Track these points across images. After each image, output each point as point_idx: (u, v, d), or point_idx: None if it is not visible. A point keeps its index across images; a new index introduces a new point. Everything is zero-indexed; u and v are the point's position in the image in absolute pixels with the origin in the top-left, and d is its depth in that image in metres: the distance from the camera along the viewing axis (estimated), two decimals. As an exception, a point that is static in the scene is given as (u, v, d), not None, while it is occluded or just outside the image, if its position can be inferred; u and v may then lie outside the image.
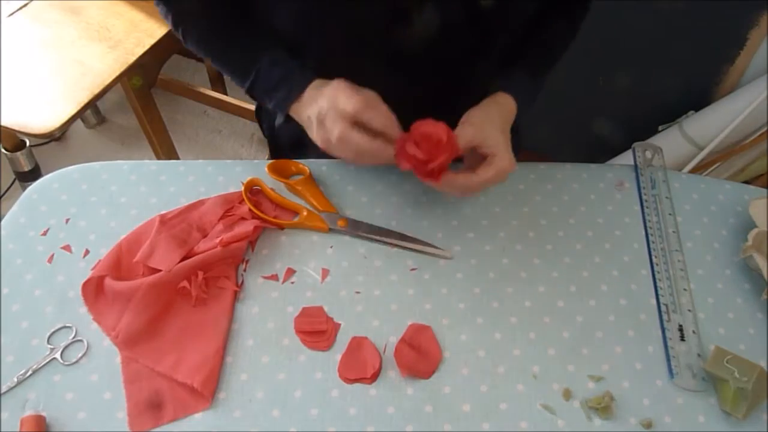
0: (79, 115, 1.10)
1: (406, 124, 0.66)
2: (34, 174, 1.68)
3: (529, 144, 0.91)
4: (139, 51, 1.18)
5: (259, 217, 0.71)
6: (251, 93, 0.69)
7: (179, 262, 0.65)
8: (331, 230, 0.71)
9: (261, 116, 0.91)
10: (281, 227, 0.72)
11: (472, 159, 0.63)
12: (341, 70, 0.62)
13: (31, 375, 0.60)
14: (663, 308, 0.66)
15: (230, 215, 0.71)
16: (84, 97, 1.10)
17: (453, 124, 0.66)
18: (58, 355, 0.61)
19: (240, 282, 0.67)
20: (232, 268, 0.68)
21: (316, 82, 0.62)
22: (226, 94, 1.91)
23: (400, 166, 0.60)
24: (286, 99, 0.62)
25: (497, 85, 0.66)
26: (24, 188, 1.58)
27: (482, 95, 0.61)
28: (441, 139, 0.59)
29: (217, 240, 0.67)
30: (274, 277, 0.68)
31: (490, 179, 0.60)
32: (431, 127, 0.59)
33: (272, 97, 0.65)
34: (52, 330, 0.63)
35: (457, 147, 0.59)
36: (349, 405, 0.59)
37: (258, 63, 0.65)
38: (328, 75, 0.63)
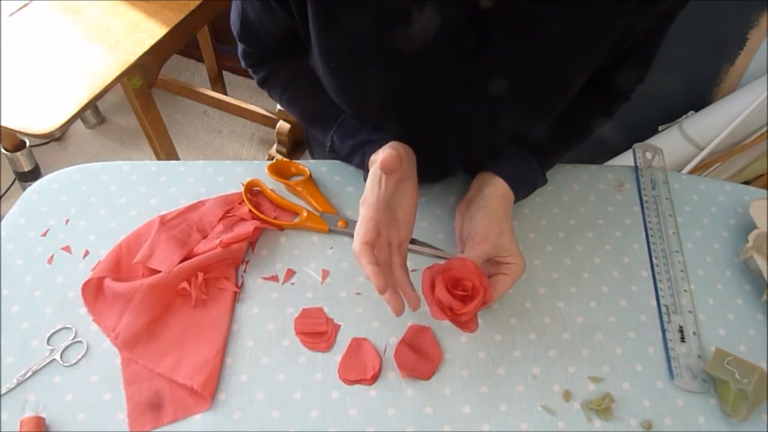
0: (79, 115, 1.10)
1: (405, 124, 0.66)
2: (34, 174, 1.68)
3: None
4: (139, 51, 1.18)
5: (259, 218, 0.71)
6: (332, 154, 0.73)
7: (179, 263, 0.65)
8: (331, 231, 0.71)
9: (311, 143, 0.94)
10: (281, 228, 0.72)
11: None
12: (342, 71, 0.62)
13: (30, 376, 0.60)
14: (663, 309, 0.66)
15: (230, 216, 0.71)
16: (84, 97, 1.10)
17: (451, 128, 0.65)
18: (57, 356, 0.61)
19: (240, 283, 0.67)
20: (232, 269, 0.68)
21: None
22: (226, 94, 1.91)
23: (432, 313, 0.58)
24: (362, 165, 0.66)
25: (503, 169, 0.67)
26: (24, 188, 1.58)
27: (481, 98, 0.61)
28: (475, 287, 0.58)
29: (217, 241, 0.67)
30: (274, 278, 0.68)
31: (509, 288, 0.62)
32: (462, 271, 0.58)
33: (351, 162, 0.70)
34: (52, 331, 0.63)
35: (489, 292, 0.59)
36: (350, 406, 0.59)
37: (330, 131, 0.69)
38: (329, 76, 0.63)
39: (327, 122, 0.70)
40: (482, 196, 0.66)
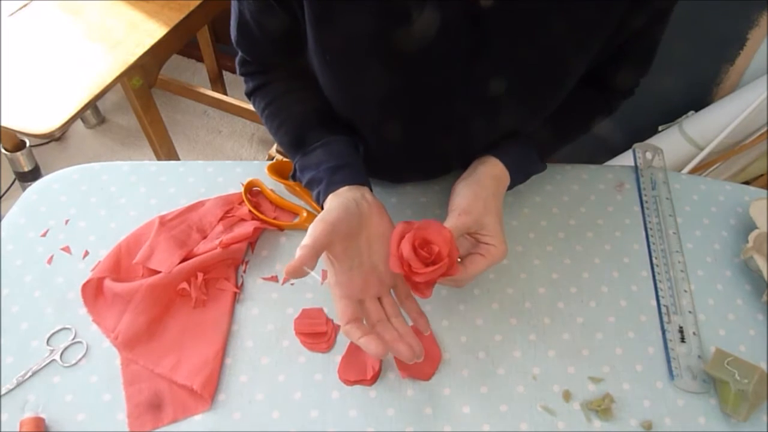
0: (79, 115, 1.10)
1: (404, 123, 0.66)
2: (34, 174, 1.68)
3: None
4: (139, 51, 1.18)
5: (259, 219, 0.71)
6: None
7: (179, 264, 0.65)
8: (331, 231, 0.71)
9: None
10: (281, 228, 0.72)
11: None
12: (340, 71, 0.62)
13: (30, 376, 0.60)
14: (663, 309, 0.66)
15: (230, 216, 0.71)
16: (84, 97, 1.10)
17: (450, 128, 0.65)
18: (57, 357, 0.61)
19: (240, 283, 0.67)
20: (231, 270, 0.68)
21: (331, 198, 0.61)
22: (226, 94, 1.91)
23: (390, 264, 0.56)
24: (317, 200, 0.64)
25: (500, 152, 0.66)
26: (24, 188, 1.58)
27: (480, 97, 0.61)
28: (441, 254, 0.55)
29: (217, 241, 0.67)
30: (274, 279, 0.68)
31: (483, 270, 0.59)
32: (435, 235, 0.56)
33: (312, 190, 0.66)
34: (52, 331, 0.63)
35: (455, 266, 0.56)
36: (349, 407, 0.59)
37: (296, 158, 0.67)
38: (328, 75, 0.63)
39: (296, 148, 0.68)
40: (475, 173, 0.65)
